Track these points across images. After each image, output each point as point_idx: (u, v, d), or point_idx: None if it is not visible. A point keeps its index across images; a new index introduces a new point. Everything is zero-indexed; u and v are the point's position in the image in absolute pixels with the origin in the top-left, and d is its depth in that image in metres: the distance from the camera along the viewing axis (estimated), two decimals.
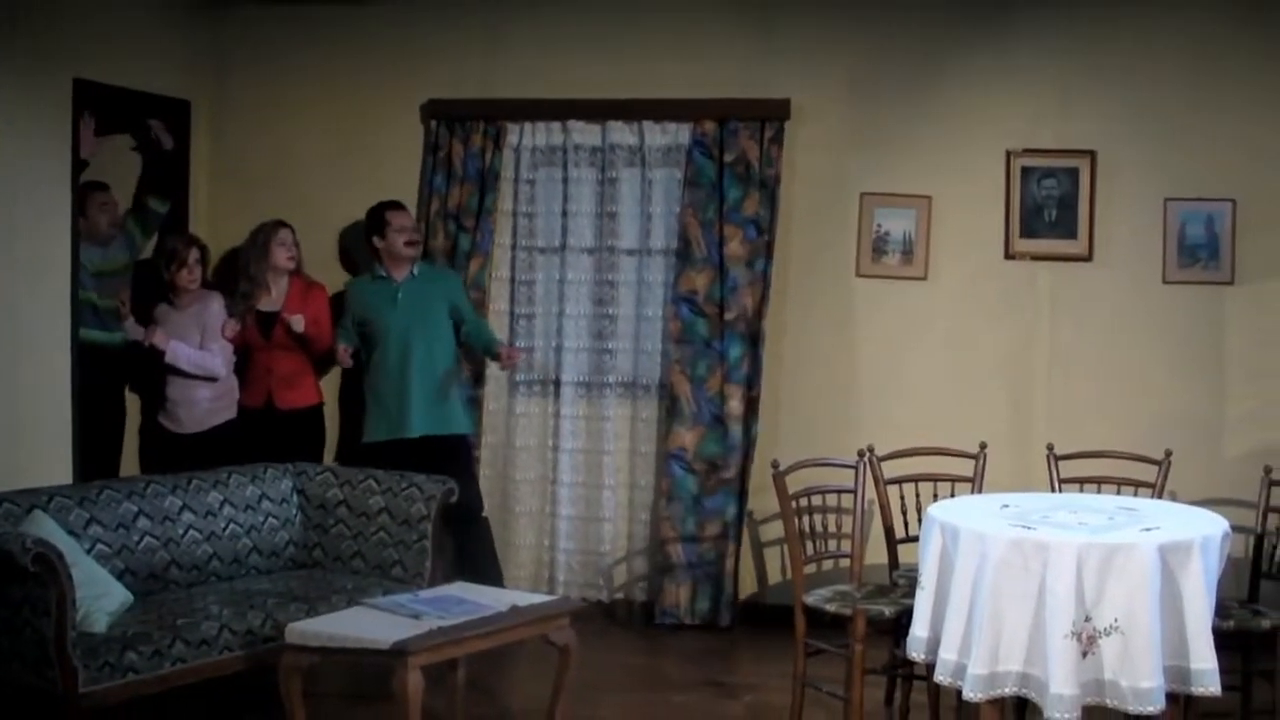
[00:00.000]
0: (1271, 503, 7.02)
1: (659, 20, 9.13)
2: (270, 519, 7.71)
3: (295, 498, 7.82)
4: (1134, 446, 7.71)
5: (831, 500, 7.30)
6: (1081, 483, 7.52)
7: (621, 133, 9.11)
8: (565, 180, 9.16)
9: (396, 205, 8.93)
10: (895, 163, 8.93)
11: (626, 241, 9.12)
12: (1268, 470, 7.14)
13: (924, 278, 8.90)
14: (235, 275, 9.08)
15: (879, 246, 8.91)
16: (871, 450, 7.42)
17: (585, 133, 9.16)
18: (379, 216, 8.88)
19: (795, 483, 7.14)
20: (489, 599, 6.79)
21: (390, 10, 9.44)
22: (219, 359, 8.73)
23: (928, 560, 6.22)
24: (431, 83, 9.38)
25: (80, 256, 8.38)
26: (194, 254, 8.78)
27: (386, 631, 6.25)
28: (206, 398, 8.75)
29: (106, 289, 8.63)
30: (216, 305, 8.79)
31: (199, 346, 8.68)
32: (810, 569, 7.20)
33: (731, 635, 8.76)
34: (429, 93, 9.37)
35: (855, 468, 7.23)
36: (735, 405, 8.84)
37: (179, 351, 8.61)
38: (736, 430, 8.84)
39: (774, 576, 9.06)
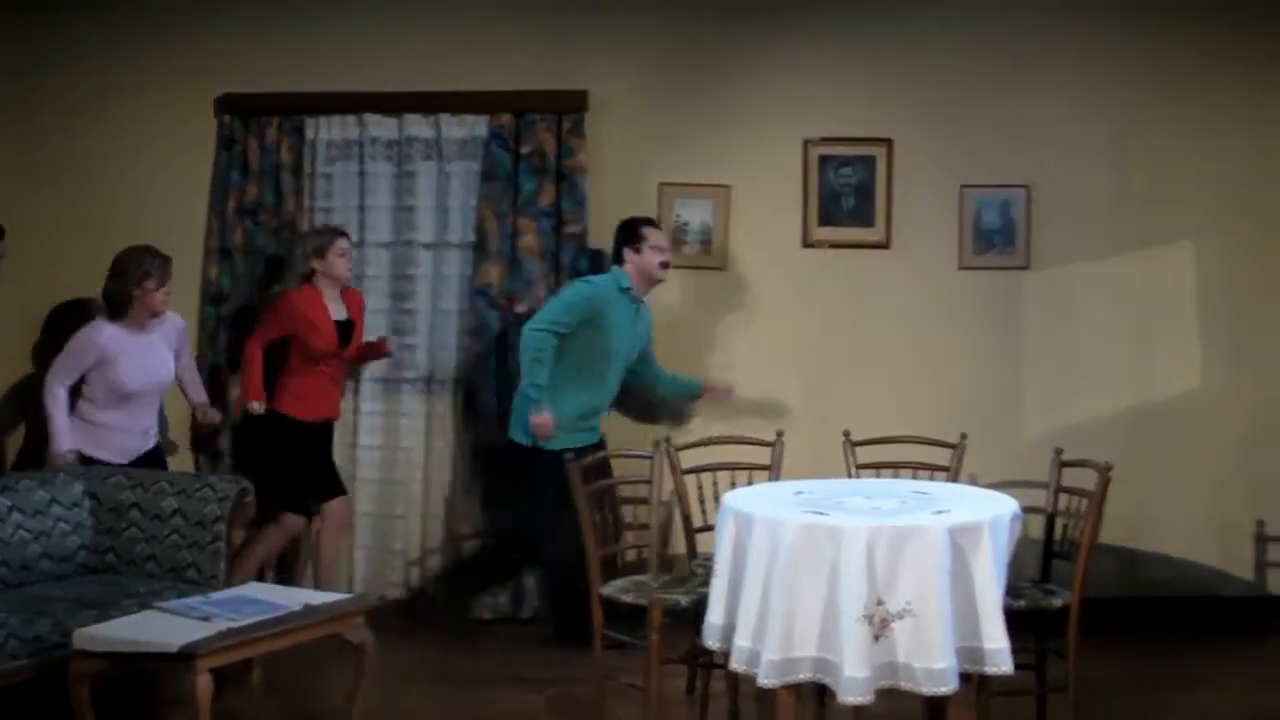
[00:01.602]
0: (1063, 483, 7.10)
1: (456, 12, 9.05)
2: (60, 524, 7.47)
3: (87, 501, 7.59)
4: (933, 431, 7.77)
5: (632, 491, 7.29)
6: (880, 468, 7.57)
7: (419, 126, 9.01)
8: (362, 174, 9.05)
9: (653, 223, 8.45)
10: (694, 153, 8.94)
11: (424, 235, 9.01)
12: (1058, 452, 7.23)
13: (722, 267, 8.93)
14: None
15: (678, 237, 8.91)
16: (668, 441, 7.41)
17: (382, 126, 9.05)
18: (634, 230, 8.36)
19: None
20: (282, 599, 6.68)
21: (181, 4, 9.25)
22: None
23: (722, 548, 6.20)
24: (225, 77, 9.19)
25: None
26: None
27: (176, 634, 6.12)
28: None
29: None
30: (179, 320, 8.31)
31: (174, 368, 8.20)
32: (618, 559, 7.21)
33: (535, 629, 8.70)
34: (222, 87, 9.19)
35: (651, 459, 7.19)
36: None
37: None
38: None
39: None
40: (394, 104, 9.01)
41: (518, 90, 8.90)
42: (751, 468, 7.50)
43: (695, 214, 8.91)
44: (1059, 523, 7.10)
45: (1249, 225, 8.93)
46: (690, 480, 7.50)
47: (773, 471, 7.48)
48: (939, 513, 6.04)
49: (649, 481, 7.17)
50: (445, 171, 8.99)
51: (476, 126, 8.95)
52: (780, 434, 7.61)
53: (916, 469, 7.51)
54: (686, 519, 7.44)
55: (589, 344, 8.17)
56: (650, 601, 6.74)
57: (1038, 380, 8.92)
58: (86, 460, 7.89)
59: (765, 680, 5.85)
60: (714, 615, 6.20)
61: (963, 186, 8.84)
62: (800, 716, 6.04)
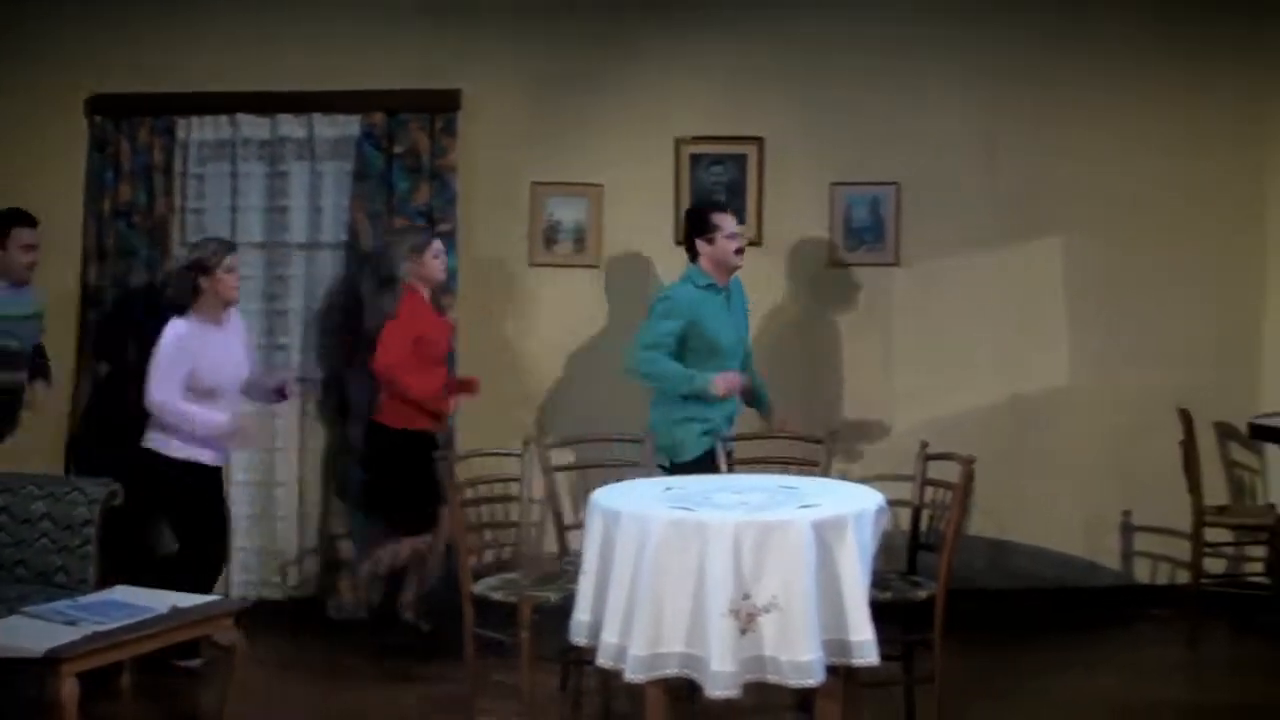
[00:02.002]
0: (929, 476, 7.18)
1: (328, 11, 9.00)
2: None
3: None
4: (805, 426, 7.86)
5: (507, 489, 7.28)
6: (751, 464, 7.61)
7: (290, 126, 8.96)
8: (234, 175, 8.97)
9: (723, 207, 8.13)
10: (566, 152, 8.96)
11: (297, 236, 8.96)
12: (924, 445, 7.31)
13: (596, 266, 8.97)
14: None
15: (551, 236, 8.92)
16: (539, 439, 7.41)
17: (254, 126, 8.98)
18: (704, 218, 7.98)
19: (469, 472, 7.12)
20: (150, 602, 6.62)
21: (51, 4, 9.14)
22: None
23: (590, 545, 6.23)
24: (96, 77, 9.09)
25: None
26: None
27: (41, 639, 6.03)
28: None
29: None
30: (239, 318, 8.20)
31: (249, 362, 8.12)
32: (488, 558, 7.18)
33: (410, 628, 8.67)
34: (93, 88, 9.09)
35: (521, 456, 7.20)
36: None
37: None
38: None
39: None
40: (266, 104, 8.95)
41: (390, 90, 8.86)
42: (624, 465, 7.51)
43: (568, 213, 8.93)
44: (925, 515, 7.18)
45: (1117, 219, 9.07)
46: (565, 477, 7.52)
47: (642, 469, 7.49)
48: (805, 507, 6.10)
49: (518, 479, 7.17)
50: (318, 171, 8.94)
51: (349, 126, 8.91)
52: (650, 431, 7.64)
53: (787, 464, 7.54)
54: (558, 516, 7.46)
55: (697, 350, 7.87)
56: (520, 599, 6.77)
57: (908, 375, 9.02)
58: (186, 466, 7.81)
59: (632, 675, 5.87)
60: (582, 612, 6.22)
61: (833, 184, 8.93)
62: (670, 711, 6.06)
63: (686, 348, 7.78)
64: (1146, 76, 9.13)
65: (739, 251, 7.90)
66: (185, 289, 7.81)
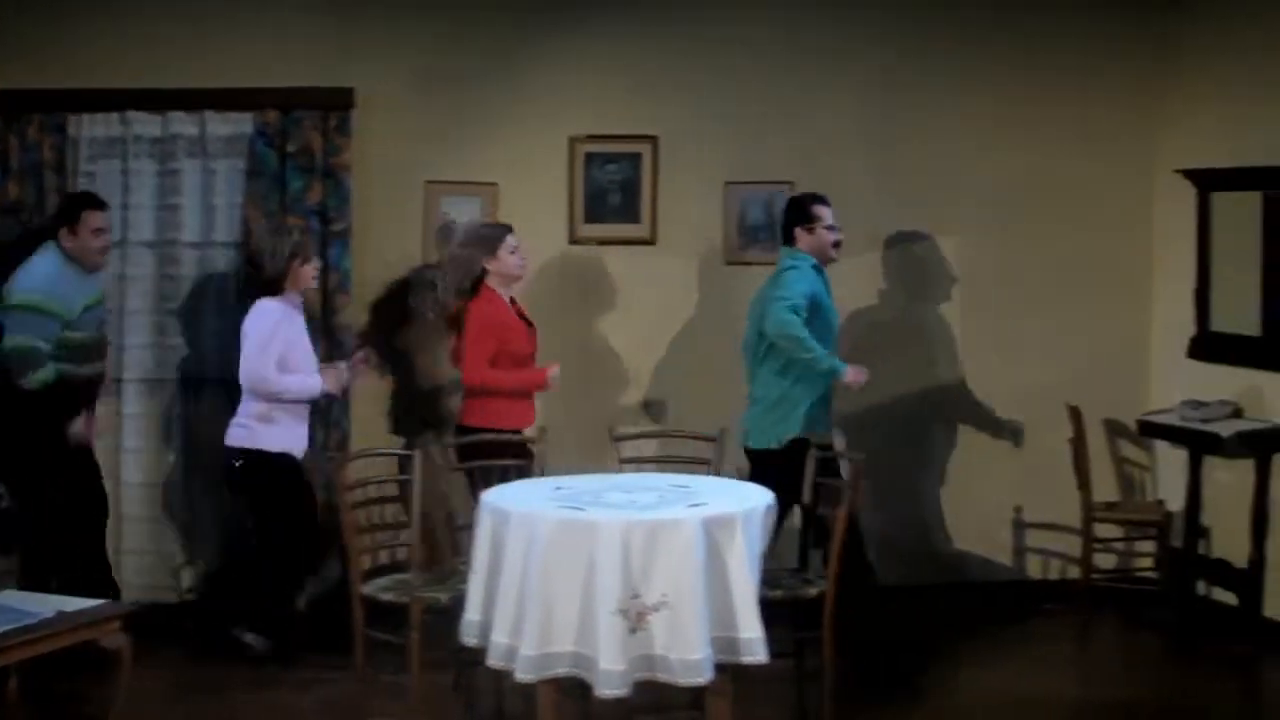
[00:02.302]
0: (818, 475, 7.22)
1: (221, 7, 8.89)
2: None
3: None
4: (701, 425, 7.85)
5: (395, 490, 7.25)
6: (643, 463, 7.64)
7: (183, 123, 8.83)
8: (125, 172, 8.82)
9: (824, 200, 8.13)
10: (461, 151, 8.93)
11: (189, 234, 8.85)
12: (815, 444, 7.34)
13: None
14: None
15: (446, 235, 8.86)
16: (433, 440, 7.38)
17: (146, 123, 8.84)
18: (805, 209, 8.07)
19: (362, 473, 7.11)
20: (35, 606, 6.55)
21: None
22: None
23: (480, 546, 6.24)
24: None
25: None
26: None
27: None
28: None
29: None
30: None
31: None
32: (384, 559, 7.20)
33: (305, 632, 8.59)
34: None
35: (413, 457, 7.17)
36: None
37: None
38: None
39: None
40: (158, 101, 8.82)
41: (284, 87, 8.77)
42: (515, 464, 7.49)
43: (463, 212, 8.87)
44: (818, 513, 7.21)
45: (1007, 217, 9.20)
46: (459, 478, 7.48)
47: (537, 469, 7.48)
48: (694, 505, 6.13)
49: (410, 479, 7.14)
50: (210, 169, 8.84)
51: (242, 124, 8.81)
52: (543, 430, 7.63)
53: (680, 463, 7.56)
54: (450, 517, 7.43)
55: (813, 327, 7.87)
56: (410, 600, 6.76)
57: None
58: (263, 456, 7.82)
59: (522, 675, 5.90)
60: (472, 612, 6.24)
61: (727, 183, 8.95)
62: (561, 711, 6.09)
63: (809, 324, 7.85)
64: (1036, 75, 9.27)
65: (837, 244, 8.06)
66: (272, 277, 7.88)
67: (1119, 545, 9.20)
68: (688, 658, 5.83)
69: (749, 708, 6.51)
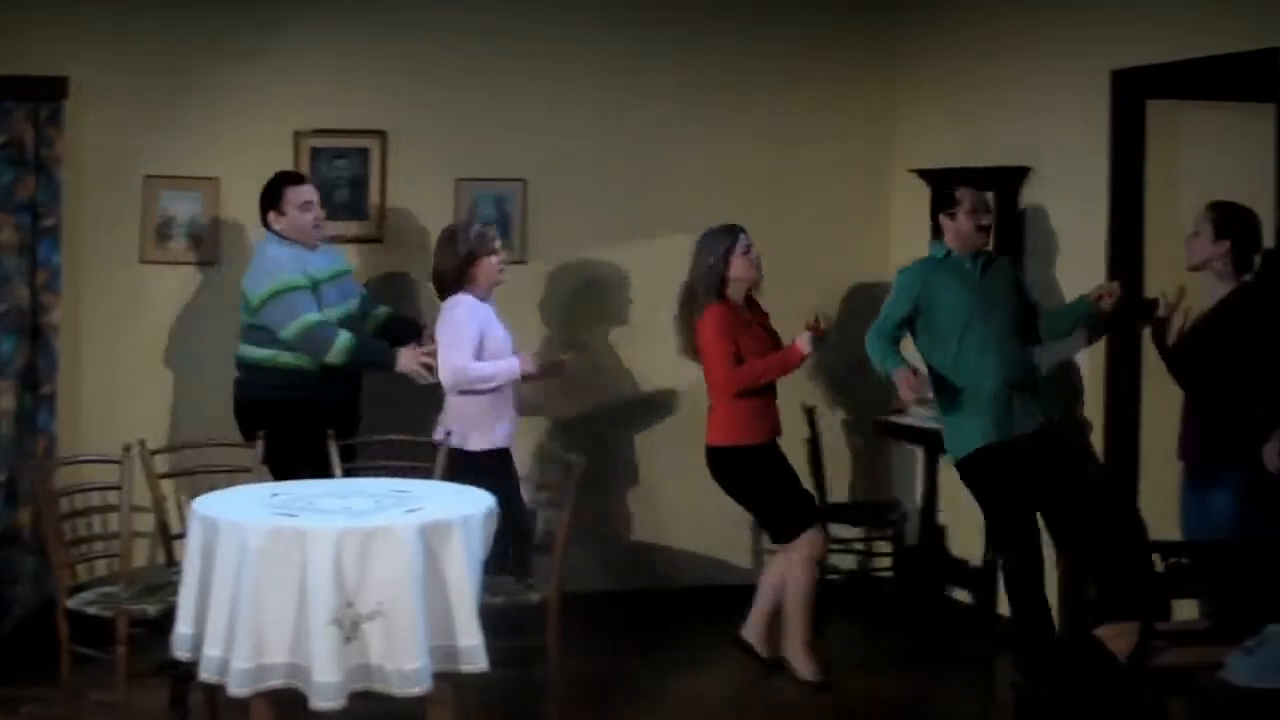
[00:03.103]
0: (541, 478, 7.14)
1: None
2: None
3: None
4: (421, 428, 7.72)
5: (106, 498, 6.96)
6: (366, 468, 7.44)
7: None
8: None
9: (967, 184, 7.77)
10: (181, 144, 8.58)
11: None
12: (538, 448, 7.28)
13: (214, 262, 8.63)
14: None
15: (165, 231, 8.57)
16: (143, 444, 7.10)
17: None
18: (950, 196, 7.71)
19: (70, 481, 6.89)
20: None
21: None
22: None
23: (191, 555, 6.03)
24: None
25: None
26: None
27: None
28: None
29: None
30: None
31: None
32: (89, 572, 6.94)
33: (14, 649, 8.18)
34: None
35: (121, 463, 6.87)
36: (8, 403, 8.27)
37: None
38: (10, 431, 8.28)
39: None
40: None
41: None
42: (234, 470, 7.25)
43: (183, 208, 8.56)
44: (541, 517, 7.10)
45: (744, 213, 9.00)
46: (168, 485, 7.22)
47: (254, 474, 7.22)
48: (411, 511, 5.99)
49: (119, 487, 6.84)
50: None
51: None
52: (261, 435, 7.38)
53: (401, 468, 7.40)
54: (164, 526, 7.16)
55: (931, 328, 7.63)
56: (117, 613, 6.52)
57: None
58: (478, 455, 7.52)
59: (236, 689, 5.73)
60: (184, 624, 6.04)
61: (459, 180, 8.78)
62: None
63: (924, 325, 7.67)
64: (772, 71, 9.27)
65: (980, 229, 7.72)
66: (456, 271, 7.68)
67: (858, 545, 9.18)
68: (404, 667, 5.72)
69: (474, 717, 6.41)
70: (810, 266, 9.15)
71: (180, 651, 6.05)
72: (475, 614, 5.88)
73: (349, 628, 5.70)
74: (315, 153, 8.67)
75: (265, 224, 7.87)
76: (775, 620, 7.92)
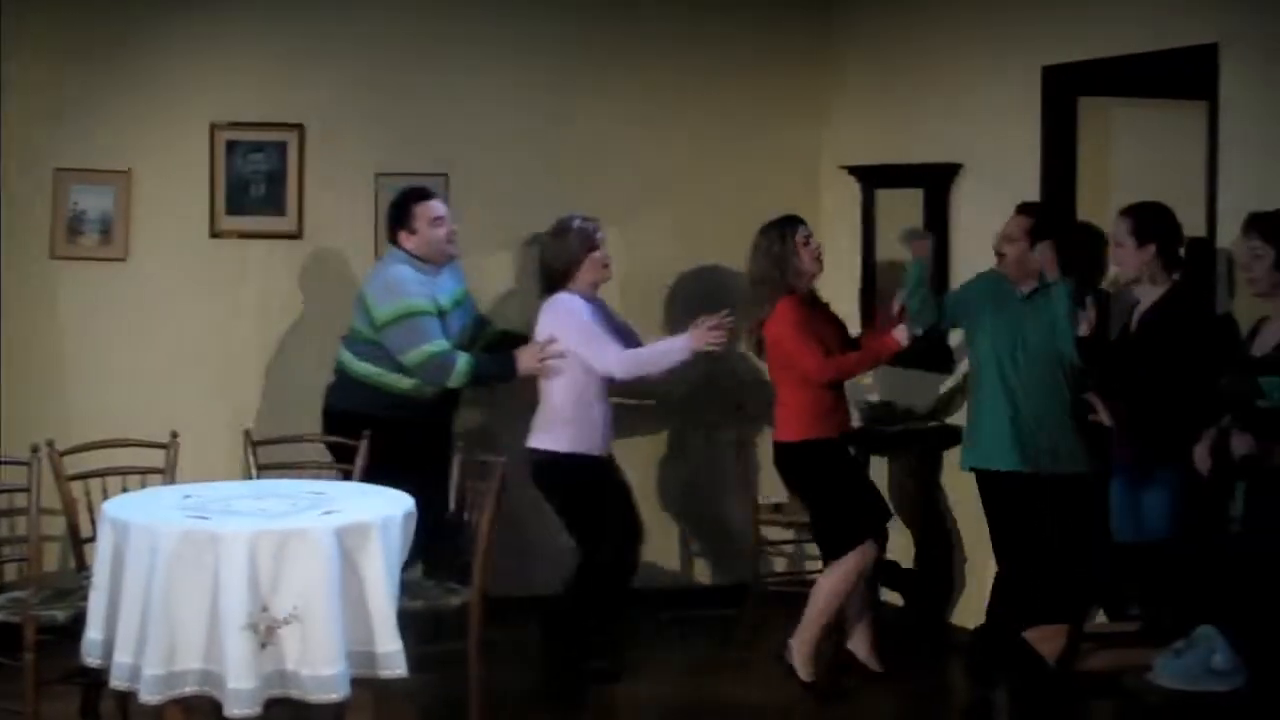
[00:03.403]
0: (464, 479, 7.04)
1: None
2: None
3: None
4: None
5: (13, 500, 6.78)
6: (284, 468, 7.31)
7: None
8: None
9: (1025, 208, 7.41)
10: (92, 136, 8.41)
11: None
12: (461, 448, 7.17)
13: (124, 258, 8.45)
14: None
15: (75, 226, 8.39)
16: (51, 445, 6.90)
17: None
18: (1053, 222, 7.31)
19: None
20: None
21: None
22: None
23: (101, 559, 5.90)
24: None
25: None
26: None
27: None
28: None
29: None
30: None
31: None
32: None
33: None
34: None
35: (29, 465, 6.66)
36: None
37: None
38: None
39: None
40: None
41: None
42: (147, 471, 7.08)
43: (94, 201, 8.37)
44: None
45: (675, 207, 9.13)
46: (78, 486, 7.02)
47: (167, 476, 7.09)
48: (328, 513, 5.86)
49: (26, 490, 6.64)
50: None
51: None
52: (175, 435, 7.21)
53: (321, 469, 7.34)
54: (74, 529, 6.98)
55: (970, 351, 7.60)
56: (24, 618, 6.35)
57: None
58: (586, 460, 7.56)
59: (147, 696, 5.60)
60: (93, 630, 5.90)
61: (378, 174, 8.64)
62: None
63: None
64: (703, 67, 9.21)
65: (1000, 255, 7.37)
66: (563, 269, 7.64)
67: (788, 547, 9.11)
68: (320, 673, 5.59)
69: None
70: (741, 262, 9.04)
71: (90, 658, 5.92)
72: (393, 618, 5.76)
73: (264, 633, 5.57)
74: (231, 146, 8.53)
75: (394, 242, 7.74)
76: (871, 626, 7.88)
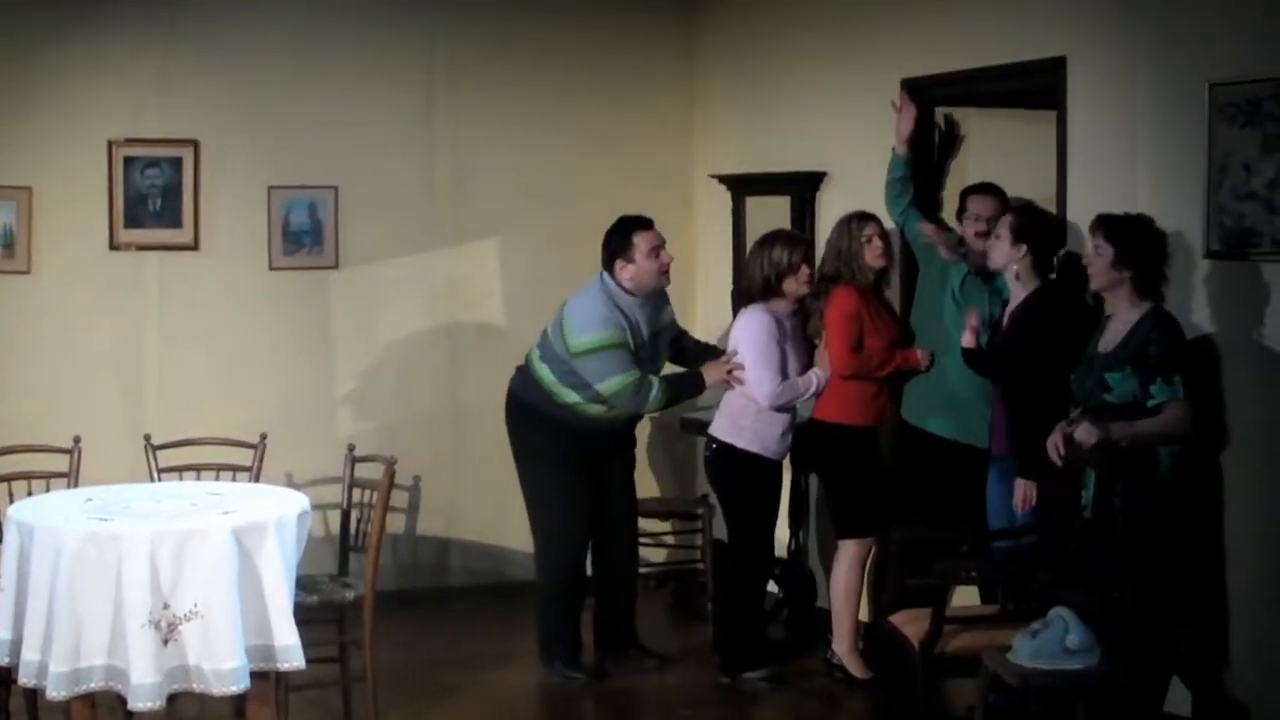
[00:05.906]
0: (356, 477, 7.25)
1: None
2: None
3: None
4: (248, 431, 7.76)
5: None
6: (183, 470, 7.50)
7: None
8: None
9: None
10: None
11: None
12: (351, 448, 7.39)
13: (27, 271, 8.63)
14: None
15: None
16: None
17: None
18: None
19: None
20: None
21: None
22: None
23: (7, 562, 6.05)
24: None
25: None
26: None
27: None
28: None
29: None
30: None
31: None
32: None
33: None
34: None
35: None
36: None
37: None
38: None
39: None
40: None
41: None
42: (50, 476, 7.27)
43: None
44: (354, 516, 7.22)
45: (551, 218, 9.36)
46: None
47: (70, 480, 7.29)
48: (225, 513, 6.06)
49: None
50: None
51: None
52: (77, 440, 7.43)
53: (221, 470, 7.49)
54: None
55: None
56: None
57: (350, 379, 9.09)
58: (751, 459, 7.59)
59: (54, 693, 5.75)
60: (1, 630, 6.03)
61: (270, 187, 8.88)
62: None
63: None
64: (580, 75, 9.51)
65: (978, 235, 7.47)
66: (762, 284, 7.57)
67: (669, 539, 9.37)
68: (221, 667, 5.77)
69: (289, 715, 6.53)
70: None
71: None
72: (290, 613, 5.96)
73: (166, 629, 5.75)
74: (129, 162, 8.72)
75: (609, 269, 7.60)
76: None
